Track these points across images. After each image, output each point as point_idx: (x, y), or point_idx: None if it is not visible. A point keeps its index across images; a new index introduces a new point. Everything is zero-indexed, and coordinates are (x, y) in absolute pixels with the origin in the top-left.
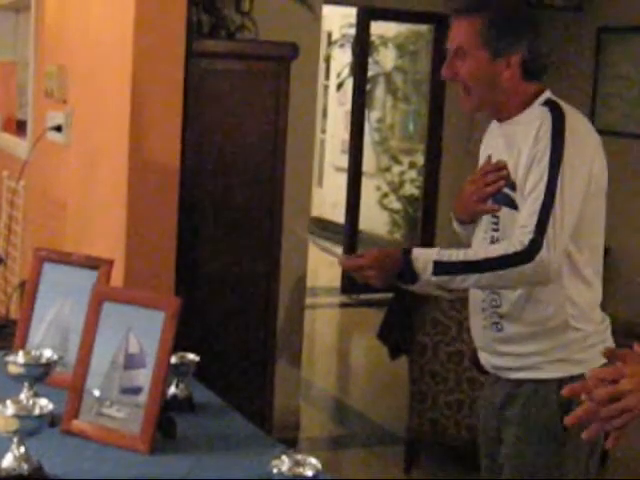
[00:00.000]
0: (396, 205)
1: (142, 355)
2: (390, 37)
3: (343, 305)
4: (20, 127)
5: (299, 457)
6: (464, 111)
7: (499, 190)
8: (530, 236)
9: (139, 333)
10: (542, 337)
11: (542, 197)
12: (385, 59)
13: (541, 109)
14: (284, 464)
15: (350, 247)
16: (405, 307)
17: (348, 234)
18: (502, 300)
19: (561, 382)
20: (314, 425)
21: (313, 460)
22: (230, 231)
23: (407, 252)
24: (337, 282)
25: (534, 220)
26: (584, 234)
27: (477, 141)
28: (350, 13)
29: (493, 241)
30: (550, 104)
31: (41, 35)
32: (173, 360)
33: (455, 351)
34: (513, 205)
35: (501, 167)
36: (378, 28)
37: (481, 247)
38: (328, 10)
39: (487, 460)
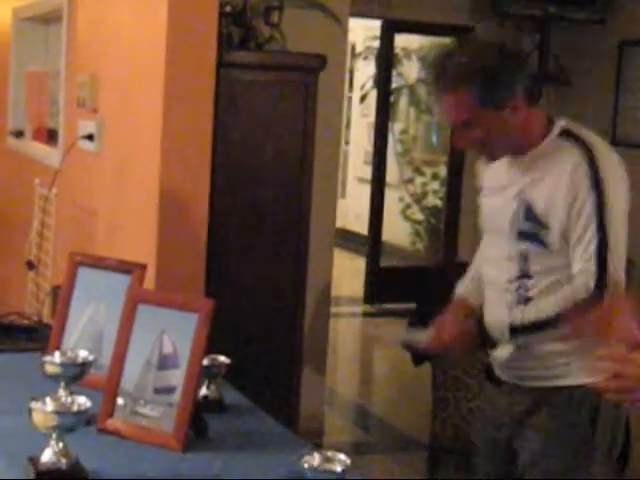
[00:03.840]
0: (419, 216)
1: (176, 356)
2: (413, 49)
3: (366, 314)
4: (51, 136)
5: (329, 454)
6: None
7: None
8: (594, 278)
9: (173, 334)
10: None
11: (596, 240)
12: (408, 71)
13: (563, 144)
14: (315, 460)
15: (373, 258)
16: (428, 315)
17: (371, 245)
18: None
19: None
20: (338, 431)
21: (342, 456)
22: (257, 240)
23: (480, 322)
24: (360, 292)
25: (594, 262)
26: None
27: None
28: (374, 26)
29: (523, 275)
30: (571, 136)
31: (73, 45)
32: (205, 362)
33: (477, 358)
34: (540, 242)
35: None
36: (401, 40)
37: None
38: (352, 23)
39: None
